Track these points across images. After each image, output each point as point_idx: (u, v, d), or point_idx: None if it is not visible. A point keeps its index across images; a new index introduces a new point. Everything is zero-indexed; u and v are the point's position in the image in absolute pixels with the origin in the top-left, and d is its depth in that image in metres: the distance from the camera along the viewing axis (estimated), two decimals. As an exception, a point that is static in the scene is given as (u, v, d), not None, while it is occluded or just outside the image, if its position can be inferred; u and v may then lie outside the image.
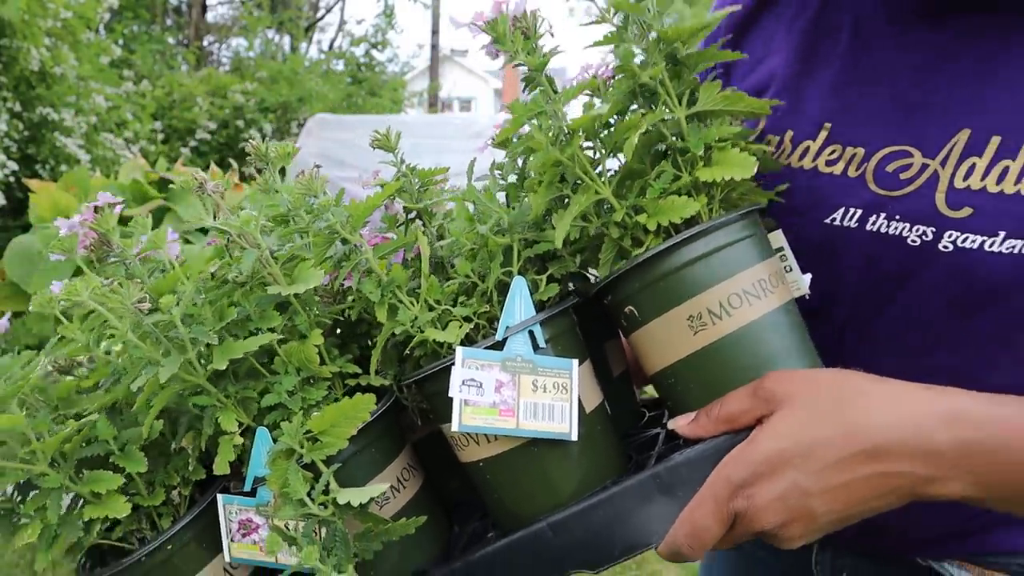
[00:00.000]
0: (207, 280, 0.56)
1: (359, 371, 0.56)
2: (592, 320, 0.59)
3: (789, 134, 0.61)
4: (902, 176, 0.56)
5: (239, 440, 0.52)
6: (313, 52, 12.22)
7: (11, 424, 0.48)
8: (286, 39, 11.46)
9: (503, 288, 0.52)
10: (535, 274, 0.55)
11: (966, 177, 0.53)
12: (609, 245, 0.52)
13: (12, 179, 4.45)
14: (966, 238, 0.52)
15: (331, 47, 12.29)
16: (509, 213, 0.54)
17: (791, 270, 0.56)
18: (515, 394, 0.50)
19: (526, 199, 0.55)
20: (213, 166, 1.76)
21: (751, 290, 0.50)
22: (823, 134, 0.59)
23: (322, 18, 13.58)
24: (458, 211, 0.60)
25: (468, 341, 0.52)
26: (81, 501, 0.52)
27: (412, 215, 0.63)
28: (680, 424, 0.51)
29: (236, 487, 0.55)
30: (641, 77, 0.51)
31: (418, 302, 0.54)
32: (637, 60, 0.52)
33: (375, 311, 0.53)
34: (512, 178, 0.62)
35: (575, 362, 0.52)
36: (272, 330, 0.52)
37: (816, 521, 0.46)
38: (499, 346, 0.51)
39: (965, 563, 0.63)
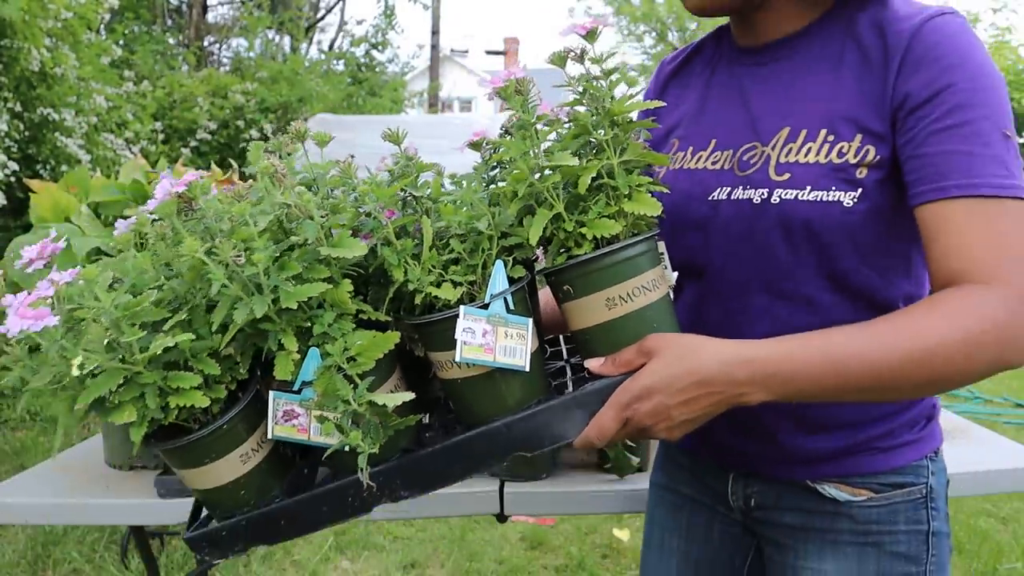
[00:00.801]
0: (272, 240, 0.73)
1: (371, 310, 0.75)
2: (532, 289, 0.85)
3: (691, 148, 0.95)
4: (751, 161, 0.87)
5: (296, 356, 0.71)
6: (313, 52, 12.22)
7: (133, 335, 0.68)
8: (286, 39, 11.47)
9: (484, 265, 0.77)
10: (507, 257, 0.77)
11: (785, 156, 0.84)
12: (557, 243, 0.78)
13: (13, 179, 4.46)
14: (786, 193, 0.83)
15: (331, 47, 12.28)
16: (495, 215, 0.77)
17: (667, 268, 0.85)
18: (494, 339, 0.74)
19: (503, 208, 0.78)
20: (213, 166, 1.77)
21: (647, 285, 0.77)
22: (711, 145, 0.92)
23: (322, 18, 13.58)
24: (446, 206, 0.80)
25: (459, 301, 0.75)
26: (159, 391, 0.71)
27: (406, 195, 0.83)
28: (594, 365, 0.78)
29: (265, 388, 0.76)
30: (595, 134, 0.77)
31: (420, 266, 0.75)
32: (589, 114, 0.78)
33: (392, 270, 0.75)
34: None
35: (531, 320, 0.77)
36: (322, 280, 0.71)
37: (674, 420, 0.74)
38: (485, 307, 0.74)
39: (839, 484, 0.90)
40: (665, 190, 0.82)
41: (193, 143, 7.34)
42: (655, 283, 0.78)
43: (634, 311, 0.76)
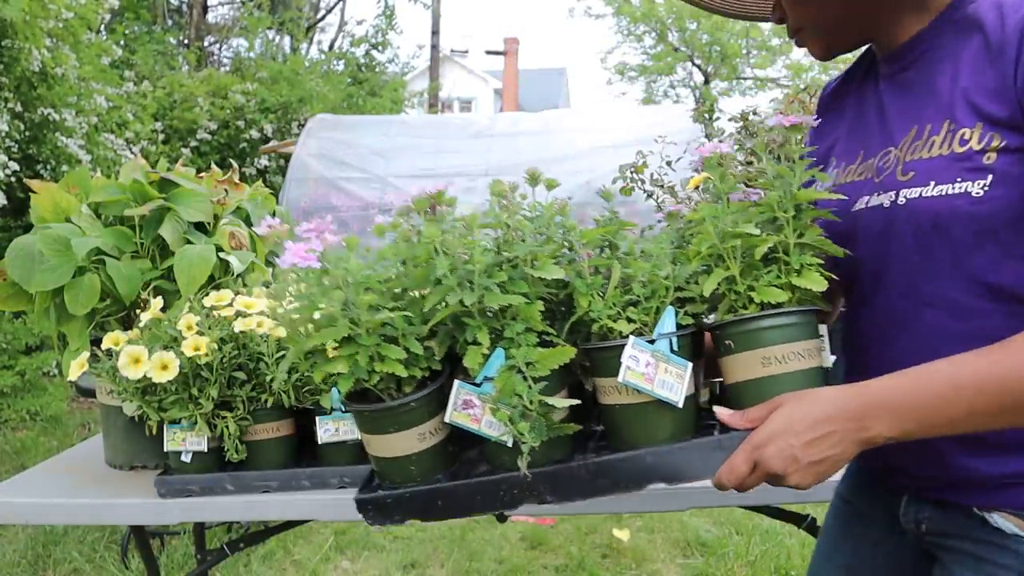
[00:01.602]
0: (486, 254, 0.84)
1: (554, 333, 0.87)
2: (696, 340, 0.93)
3: (844, 164, 0.98)
4: (885, 166, 0.89)
5: (485, 352, 0.83)
6: (313, 52, 12.21)
7: (365, 303, 0.82)
8: (286, 39, 11.46)
9: (657, 310, 0.88)
10: (678, 306, 0.87)
11: (911, 154, 0.85)
12: (727, 303, 0.87)
13: (13, 179, 4.46)
14: (911, 192, 0.83)
15: (331, 47, 12.28)
16: (675, 270, 0.88)
17: (824, 349, 0.88)
18: (655, 372, 0.83)
19: (683, 266, 0.90)
20: (213, 166, 1.76)
21: (802, 353, 0.84)
22: (859, 158, 0.95)
23: (322, 19, 13.58)
24: (635, 259, 0.92)
25: (631, 335, 0.85)
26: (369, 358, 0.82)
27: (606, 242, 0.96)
28: (723, 415, 0.84)
29: (450, 380, 0.87)
30: (779, 213, 0.86)
31: (603, 300, 0.87)
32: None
33: (579, 299, 0.86)
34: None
35: (691, 365, 0.86)
36: (519, 293, 0.83)
37: (799, 463, 0.77)
38: (652, 343, 0.84)
39: (1010, 515, 0.83)
40: (827, 179, 0.90)
41: (193, 143, 7.33)
42: (810, 353, 0.85)
43: (786, 373, 0.83)
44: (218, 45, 11.11)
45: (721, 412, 0.84)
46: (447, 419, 0.86)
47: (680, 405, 0.84)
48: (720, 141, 1.94)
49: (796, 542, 2.98)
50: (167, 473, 1.37)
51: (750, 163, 1.80)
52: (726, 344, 0.86)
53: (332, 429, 1.35)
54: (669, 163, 1.97)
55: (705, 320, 0.92)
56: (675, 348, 0.85)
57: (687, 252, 0.89)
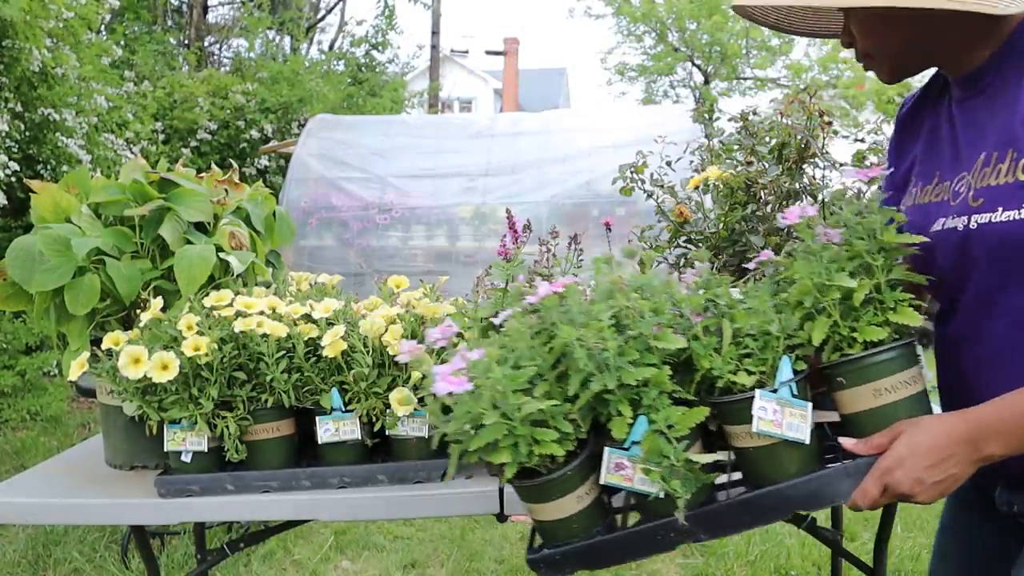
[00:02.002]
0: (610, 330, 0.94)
1: (682, 391, 0.96)
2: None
3: (921, 184, 1.05)
4: (960, 191, 0.97)
5: (630, 420, 0.93)
6: (314, 53, 12.20)
7: (515, 400, 0.92)
8: (286, 40, 11.45)
9: (772, 359, 0.98)
10: (791, 353, 0.97)
11: (981, 180, 0.93)
12: (832, 344, 0.97)
13: (13, 179, 4.46)
14: (981, 217, 0.92)
15: (331, 48, 12.27)
16: (782, 321, 0.97)
17: (924, 370, 0.98)
18: (782, 417, 0.94)
19: (787, 315, 0.98)
20: (214, 166, 1.76)
21: (907, 381, 0.95)
22: (935, 179, 1.03)
23: (323, 19, 13.56)
24: (740, 312, 1.00)
25: (754, 386, 0.95)
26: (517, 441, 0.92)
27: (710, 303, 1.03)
28: (848, 444, 0.95)
29: (596, 443, 0.97)
30: (868, 259, 0.95)
31: (721, 357, 0.96)
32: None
33: (699, 360, 0.96)
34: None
35: (810, 404, 0.95)
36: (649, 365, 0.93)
37: (924, 484, 0.88)
38: (774, 391, 0.94)
39: None
40: (904, 220, 0.97)
41: (193, 143, 7.33)
42: (914, 379, 0.96)
43: (896, 401, 0.94)
44: (218, 45, 11.11)
45: (846, 442, 0.95)
46: (602, 481, 0.97)
47: (808, 442, 0.95)
48: (722, 146, 1.94)
49: (796, 542, 2.98)
50: (167, 473, 1.38)
51: (750, 163, 1.80)
52: (838, 381, 0.96)
53: (332, 429, 1.35)
54: (669, 163, 1.97)
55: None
56: (794, 392, 0.95)
57: (787, 301, 0.99)
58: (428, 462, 1.39)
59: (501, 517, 1.39)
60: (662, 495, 0.93)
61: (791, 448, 0.95)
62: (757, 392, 0.93)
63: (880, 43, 1.01)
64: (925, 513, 3.31)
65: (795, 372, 0.96)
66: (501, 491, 1.36)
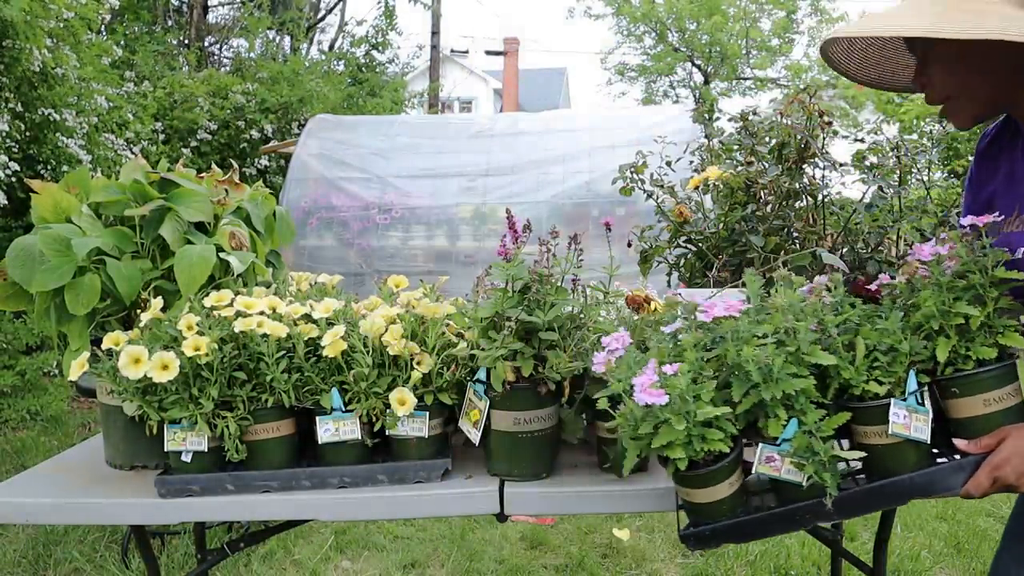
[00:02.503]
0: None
1: (821, 397, 1.13)
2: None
3: (1004, 216, 1.18)
4: None
5: (784, 422, 1.10)
6: (314, 53, 12.20)
7: (700, 408, 1.11)
8: (287, 40, 11.44)
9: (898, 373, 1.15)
10: (916, 367, 1.14)
11: None
12: (946, 360, 1.13)
13: (14, 179, 4.46)
14: None
15: (332, 48, 12.27)
16: (911, 341, 1.14)
17: (1021, 386, 1.15)
18: (911, 421, 1.12)
19: (908, 334, 1.16)
20: (214, 166, 1.75)
21: (1011, 393, 1.13)
22: (1016, 211, 1.16)
23: (323, 19, 13.56)
24: (869, 330, 1.16)
25: (887, 395, 1.13)
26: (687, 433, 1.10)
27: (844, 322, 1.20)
28: (961, 444, 1.12)
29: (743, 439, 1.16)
30: (982, 291, 1.14)
31: (855, 369, 1.13)
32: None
33: (841, 371, 1.12)
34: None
35: (931, 410, 1.13)
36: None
37: None
38: (904, 399, 1.12)
39: None
40: (1006, 257, 1.13)
41: (194, 143, 7.32)
42: (1016, 391, 1.14)
43: (1000, 410, 1.12)
44: (218, 45, 11.11)
45: (959, 442, 1.12)
46: (755, 471, 1.14)
47: (928, 442, 1.13)
48: (722, 146, 1.94)
49: (796, 542, 2.98)
50: (167, 473, 1.38)
51: (750, 163, 1.80)
52: (952, 391, 1.14)
53: (332, 429, 1.35)
54: (669, 163, 1.97)
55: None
56: (919, 400, 1.13)
57: (911, 322, 1.17)
58: (428, 462, 1.39)
59: (501, 517, 1.39)
60: (804, 484, 1.12)
61: (912, 446, 1.13)
62: (892, 400, 1.12)
63: (960, 85, 1.11)
64: (925, 513, 3.31)
65: (919, 384, 1.14)
66: (501, 491, 1.36)
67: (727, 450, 1.11)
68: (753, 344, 1.11)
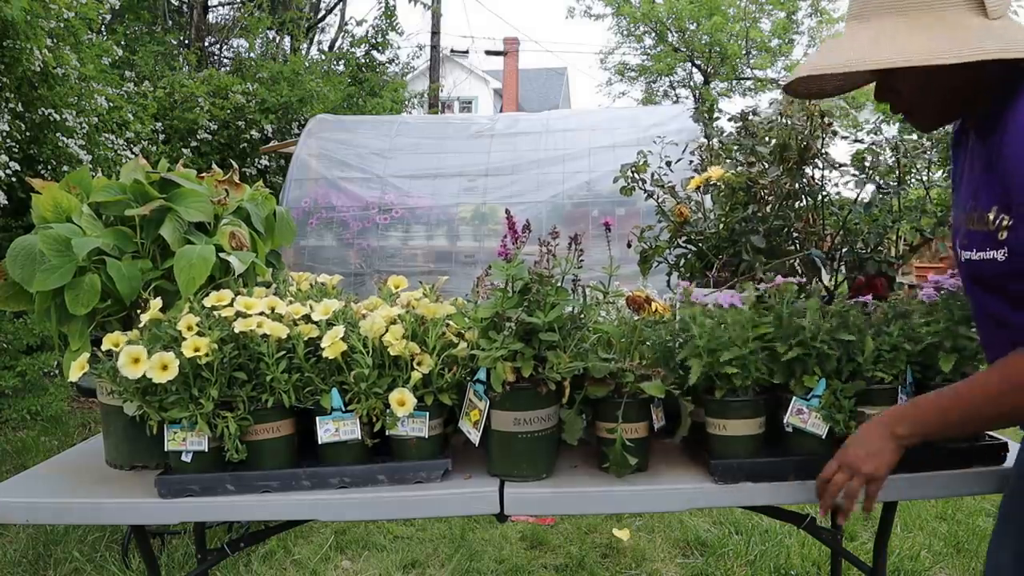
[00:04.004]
0: None
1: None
2: None
3: (957, 212, 1.23)
4: (960, 229, 1.18)
5: (816, 380, 1.34)
6: (314, 53, 12.19)
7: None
8: (287, 40, 11.44)
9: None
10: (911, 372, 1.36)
11: (968, 225, 1.14)
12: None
13: (14, 179, 4.46)
14: (969, 254, 1.15)
15: (332, 48, 12.26)
16: (914, 347, 1.35)
17: None
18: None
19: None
20: (214, 166, 1.76)
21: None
22: (961, 211, 1.20)
23: (323, 19, 13.55)
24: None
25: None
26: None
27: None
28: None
29: (779, 398, 1.38)
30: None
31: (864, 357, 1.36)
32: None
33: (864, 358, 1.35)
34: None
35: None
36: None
37: (860, 456, 1.21)
38: (906, 390, 1.36)
39: None
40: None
41: (194, 143, 7.33)
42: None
43: None
44: (218, 45, 11.10)
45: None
46: (786, 420, 1.35)
47: (824, 437, 1.35)
48: (722, 147, 1.94)
49: (795, 542, 2.98)
50: (167, 473, 1.38)
51: (751, 164, 1.80)
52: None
53: (332, 429, 1.35)
54: (669, 163, 1.97)
55: None
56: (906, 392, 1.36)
57: (920, 336, 1.36)
58: (428, 462, 1.39)
59: (501, 517, 1.39)
60: (823, 435, 1.33)
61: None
62: (901, 396, 1.35)
63: (929, 98, 1.15)
64: (925, 513, 3.31)
65: (915, 381, 1.37)
66: (501, 491, 1.36)
67: (768, 383, 1.33)
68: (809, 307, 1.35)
